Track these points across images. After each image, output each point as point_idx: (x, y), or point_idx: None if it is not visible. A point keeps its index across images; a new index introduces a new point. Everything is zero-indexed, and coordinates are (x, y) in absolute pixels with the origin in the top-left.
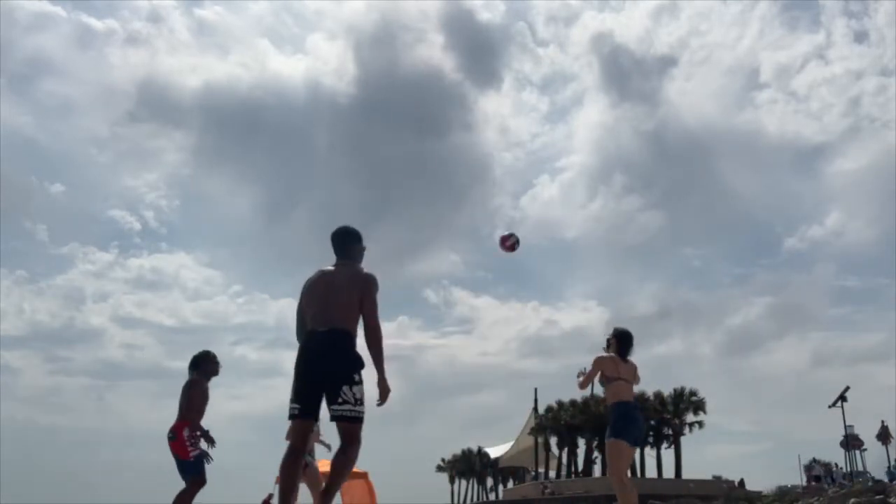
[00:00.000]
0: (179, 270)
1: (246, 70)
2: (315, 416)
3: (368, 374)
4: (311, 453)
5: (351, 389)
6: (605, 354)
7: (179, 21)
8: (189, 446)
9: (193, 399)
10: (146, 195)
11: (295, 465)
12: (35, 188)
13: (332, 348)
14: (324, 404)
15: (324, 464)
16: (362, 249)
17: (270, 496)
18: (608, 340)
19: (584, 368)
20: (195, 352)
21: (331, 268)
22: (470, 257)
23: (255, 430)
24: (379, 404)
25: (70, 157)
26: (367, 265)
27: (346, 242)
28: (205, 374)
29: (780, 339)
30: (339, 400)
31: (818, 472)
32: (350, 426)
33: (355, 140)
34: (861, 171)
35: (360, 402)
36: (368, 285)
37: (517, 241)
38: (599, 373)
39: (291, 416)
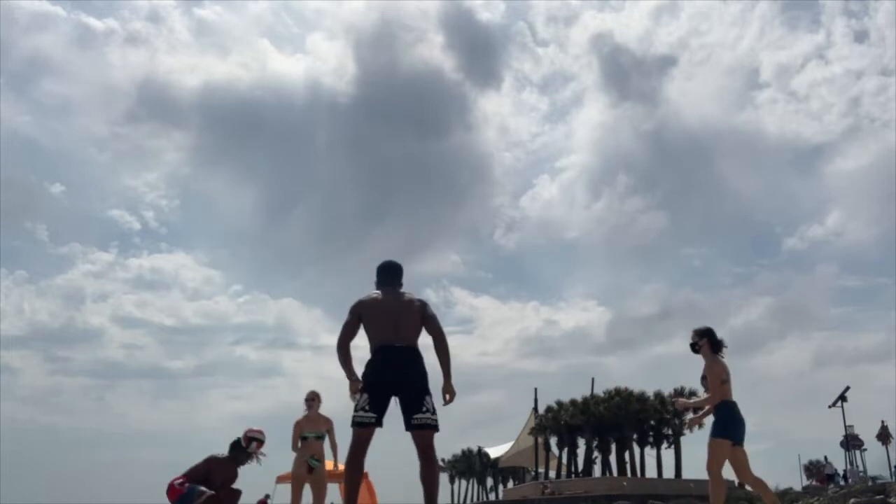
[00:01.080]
0: (179, 270)
1: (246, 70)
2: (381, 425)
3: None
4: (321, 458)
5: (431, 400)
6: (719, 357)
7: (179, 21)
8: (178, 486)
9: (206, 473)
10: (146, 195)
11: (361, 467)
12: (35, 188)
13: (413, 362)
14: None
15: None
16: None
17: (268, 497)
18: (698, 344)
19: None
20: (195, 351)
21: (389, 293)
22: (470, 257)
23: None
24: (445, 404)
25: (70, 156)
26: (367, 264)
27: (399, 273)
28: (234, 460)
29: (780, 340)
30: (424, 409)
31: (831, 471)
32: (431, 434)
33: (355, 140)
34: (861, 170)
35: (436, 411)
36: (426, 306)
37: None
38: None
39: (366, 424)
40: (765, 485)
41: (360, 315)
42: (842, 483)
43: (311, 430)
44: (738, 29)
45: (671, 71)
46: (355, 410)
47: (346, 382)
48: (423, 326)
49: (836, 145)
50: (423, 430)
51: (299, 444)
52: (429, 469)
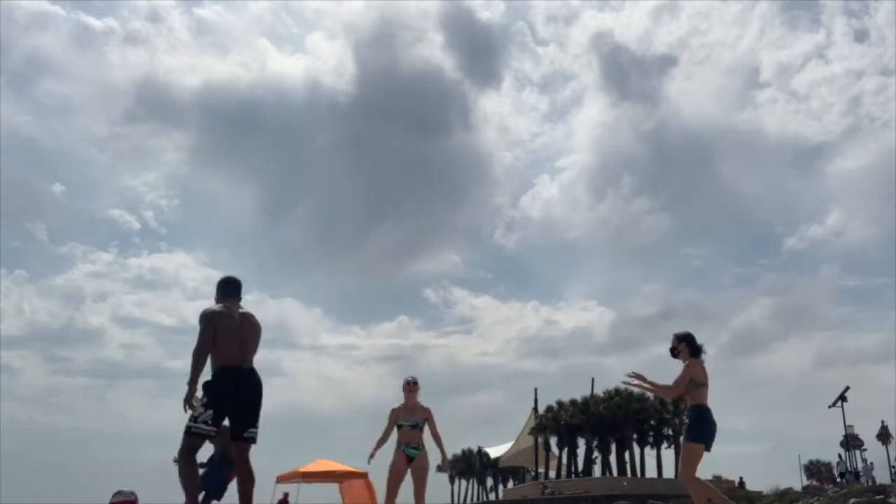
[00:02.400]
0: (179, 270)
1: (245, 69)
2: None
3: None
4: (419, 447)
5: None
6: (698, 361)
7: (179, 20)
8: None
9: None
10: (146, 195)
11: (195, 463)
12: (34, 188)
13: (257, 384)
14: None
15: (324, 463)
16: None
17: (287, 495)
18: (677, 348)
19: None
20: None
21: (234, 309)
22: (470, 257)
23: None
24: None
25: (69, 156)
26: (367, 264)
27: (241, 289)
28: None
29: (781, 340)
30: (257, 423)
31: (843, 470)
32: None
33: (355, 140)
34: (861, 170)
35: None
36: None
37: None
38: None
39: (203, 436)
40: (706, 487)
41: (214, 327)
42: (865, 481)
43: (406, 419)
44: (738, 28)
45: (671, 70)
46: (195, 421)
47: (340, 384)
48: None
49: (836, 145)
50: (250, 442)
51: (395, 433)
52: (248, 483)
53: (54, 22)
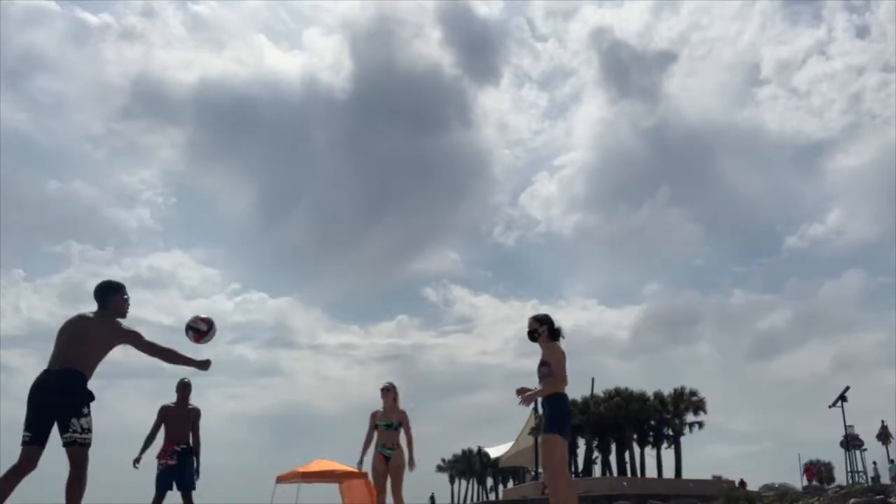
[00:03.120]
0: (176, 269)
1: (241, 65)
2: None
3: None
4: (395, 446)
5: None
6: (558, 345)
7: (174, 16)
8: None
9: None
10: (142, 192)
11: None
12: (30, 185)
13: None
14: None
15: (324, 464)
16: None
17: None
18: (537, 331)
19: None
20: (193, 350)
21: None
22: (469, 255)
23: (253, 429)
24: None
25: (65, 153)
26: (366, 263)
27: (100, 294)
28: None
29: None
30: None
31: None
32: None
33: (353, 137)
34: (862, 168)
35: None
36: (115, 325)
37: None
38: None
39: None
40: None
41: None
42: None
43: (383, 420)
44: (738, 24)
45: (671, 67)
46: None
47: (339, 383)
48: (107, 346)
49: (837, 142)
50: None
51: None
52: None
53: (49, 18)
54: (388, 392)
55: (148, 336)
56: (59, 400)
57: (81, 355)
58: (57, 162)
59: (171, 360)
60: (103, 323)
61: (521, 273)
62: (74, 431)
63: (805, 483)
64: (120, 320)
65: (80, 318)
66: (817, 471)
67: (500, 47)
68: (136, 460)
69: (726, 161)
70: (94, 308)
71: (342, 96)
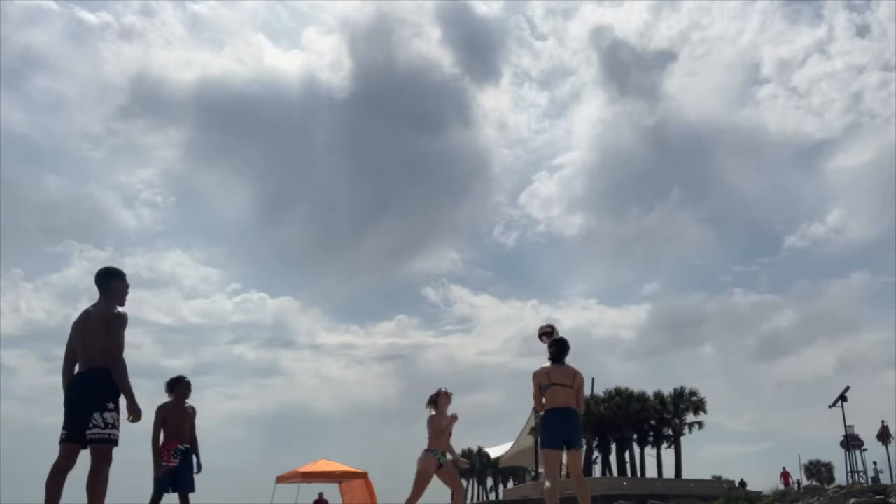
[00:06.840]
0: (176, 268)
1: (241, 65)
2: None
3: None
4: (447, 452)
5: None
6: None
7: (173, 15)
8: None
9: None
10: (141, 192)
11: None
12: (29, 185)
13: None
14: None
15: (324, 464)
16: (121, 287)
17: (321, 495)
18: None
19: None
20: (192, 350)
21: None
22: (469, 255)
23: (253, 429)
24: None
25: (64, 153)
26: (366, 262)
27: (100, 280)
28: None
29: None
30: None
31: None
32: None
33: (352, 136)
34: (863, 167)
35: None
36: (112, 317)
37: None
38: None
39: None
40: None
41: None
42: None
43: (447, 427)
44: (738, 23)
45: (671, 66)
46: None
47: (339, 383)
48: (113, 332)
49: (837, 142)
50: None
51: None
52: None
53: (48, 17)
54: (441, 397)
55: (127, 340)
56: (81, 398)
57: (97, 350)
58: (56, 161)
59: (119, 380)
60: (101, 315)
61: (520, 273)
62: (95, 426)
63: (782, 488)
64: (116, 311)
65: (86, 315)
66: (817, 470)
67: (499, 46)
68: (158, 468)
69: (726, 160)
70: (94, 306)
71: (342, 95)
